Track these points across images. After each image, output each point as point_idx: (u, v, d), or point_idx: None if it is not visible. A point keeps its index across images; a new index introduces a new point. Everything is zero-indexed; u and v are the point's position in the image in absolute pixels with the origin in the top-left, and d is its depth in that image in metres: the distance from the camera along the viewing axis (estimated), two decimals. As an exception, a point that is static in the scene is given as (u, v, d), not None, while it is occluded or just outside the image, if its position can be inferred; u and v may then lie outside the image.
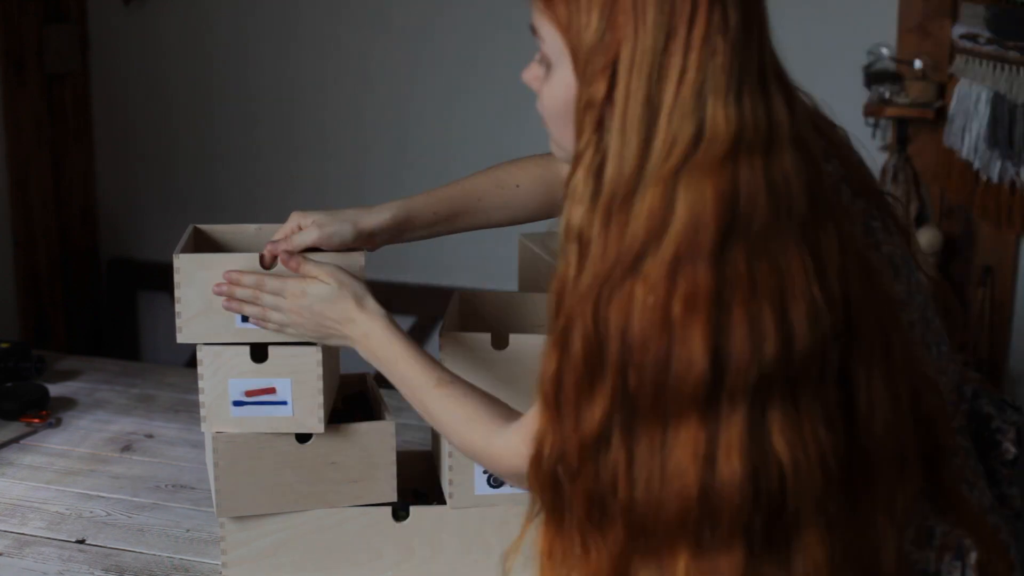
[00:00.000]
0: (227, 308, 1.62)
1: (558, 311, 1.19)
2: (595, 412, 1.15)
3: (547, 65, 1.23)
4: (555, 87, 1.22)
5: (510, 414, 1.44)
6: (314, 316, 1.58)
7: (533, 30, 1.23)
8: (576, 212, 1.17)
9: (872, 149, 2.97)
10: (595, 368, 1.14)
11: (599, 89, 1.15)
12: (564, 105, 1.21)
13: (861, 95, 2.99)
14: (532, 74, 1.27)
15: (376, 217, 1.66)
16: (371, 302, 1.57)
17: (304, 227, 1.63)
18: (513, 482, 1.45)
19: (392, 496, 1.72)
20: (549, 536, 1.22)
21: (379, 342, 1.55)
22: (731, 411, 1.11)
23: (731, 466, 1.10)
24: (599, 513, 1.17)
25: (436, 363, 1.53)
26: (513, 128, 3.34)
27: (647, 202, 1.12)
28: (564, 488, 1.19)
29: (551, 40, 1.20)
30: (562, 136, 1.25)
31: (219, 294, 1.62)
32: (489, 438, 1.43)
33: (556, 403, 1.18)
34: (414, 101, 3.49)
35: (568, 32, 1.17)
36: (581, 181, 1.17)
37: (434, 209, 1.71)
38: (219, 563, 1.72)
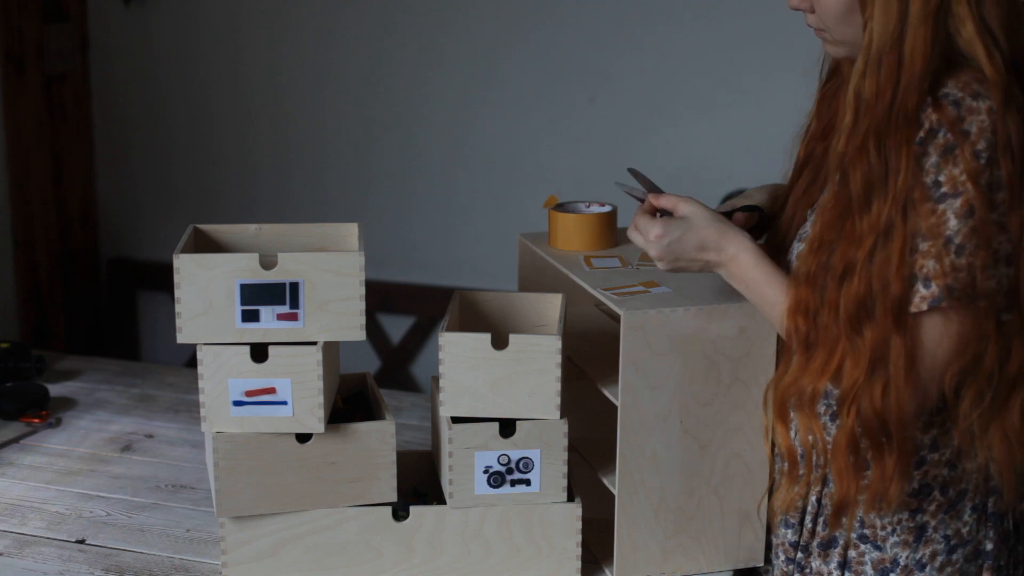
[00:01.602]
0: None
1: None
2: None
3: None
4: None
5: None
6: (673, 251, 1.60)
7: None
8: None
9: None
10: None
11: None
12: (845, 6, 1.46)
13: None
14: None
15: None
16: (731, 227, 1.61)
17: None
18: None
19: (392, 496, 1.72)
20: None
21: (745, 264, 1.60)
22: None
23: None
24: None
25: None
26: (515, 125, 3.34)
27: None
28: None
29: None
30: (845, 33, 1.49)
31: None
32: None
33: None
34: (415, 101, 3.49)
35: None
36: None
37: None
38: (219, 563, 1.72)
